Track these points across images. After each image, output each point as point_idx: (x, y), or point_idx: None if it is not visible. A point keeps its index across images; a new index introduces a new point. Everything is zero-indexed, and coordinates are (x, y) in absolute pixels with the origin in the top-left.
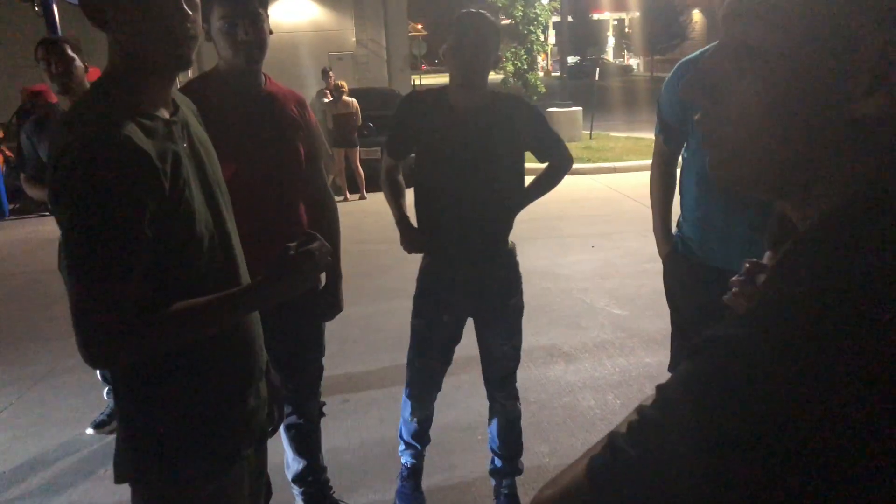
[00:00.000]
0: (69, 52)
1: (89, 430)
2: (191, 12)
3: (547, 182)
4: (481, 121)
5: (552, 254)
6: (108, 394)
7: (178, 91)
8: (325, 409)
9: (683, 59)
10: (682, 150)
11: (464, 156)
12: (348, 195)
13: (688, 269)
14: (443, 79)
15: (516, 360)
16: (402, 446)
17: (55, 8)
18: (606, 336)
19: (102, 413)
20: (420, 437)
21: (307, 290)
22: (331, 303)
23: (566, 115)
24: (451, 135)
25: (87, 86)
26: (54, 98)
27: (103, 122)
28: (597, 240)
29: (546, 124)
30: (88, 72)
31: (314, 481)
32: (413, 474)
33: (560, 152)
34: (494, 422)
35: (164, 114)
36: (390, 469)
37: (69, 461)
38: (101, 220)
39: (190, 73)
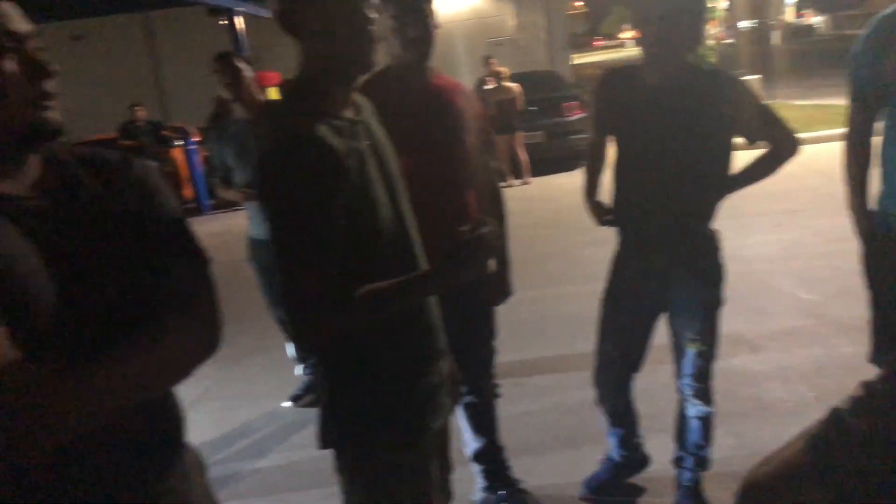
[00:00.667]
0: (236, 63)
1: (286, 403)
2: (374, 16)
3: (761, 168)
4: (677, 100)
5: (733, 234)
6: (302, 371)
7: (358, 93)
8: (499, 391)
9: (882, 14)
10: (881, 116)
11: (658, 138)
12: (511, 181)
13: (893, 248)
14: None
15: (710, 357)
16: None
17: (239, 20)
18: (795, 323)
19: (298, 388)
20: (618, 436)
21: (479, 275)
22: (500, 288)
23: None
24: (644, 115)
25: (256, 93)
26: None
27: (299, 125)
28: (781, 218)
29: (757, 102)
30: (261, 78)
31: (493, 459)
32: (611, 466)
33: (778, 133)
34: (683, 417)
35: (349, 114)
36: (567, 453)
37: (270, 429)
38: (302, 212)
39: None
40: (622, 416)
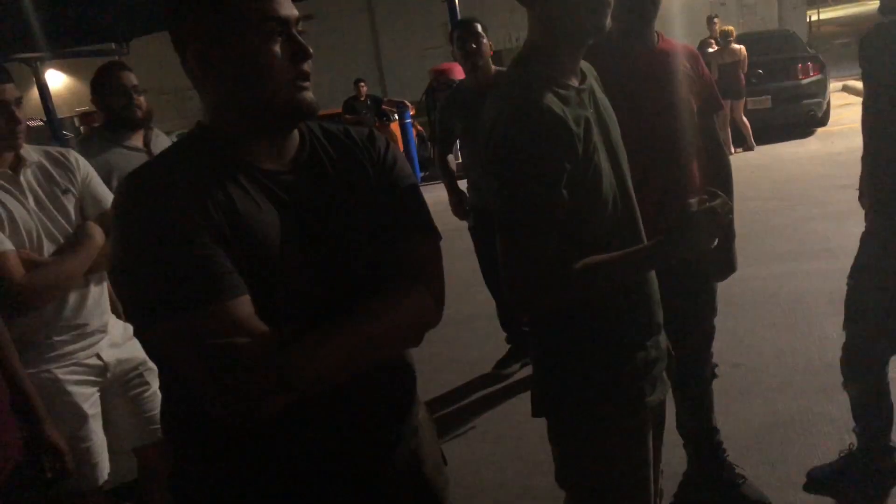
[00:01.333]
0: (479, 30)
1: (494, 370)
2: None
3: None
4: None
5: None
6: (507, 339)
7: (583, 60)
8: (718, 370)
9: None
10: None
11: None
12: (734, 149)
13: None
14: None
15: None
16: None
17: None
18: None
19: (506, 355)
20: (867, 426)
21: (708, 249)
22: (724, 263)
23: None
24: None
25: (491, 63)
26: (457, 75)
27: (526, 95)
28: None
29: None
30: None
31: (707, 441)
32: (851, 467)
33: None
34: None
35: (575, 82)
36: (790, 442)
37: (482, 395)
38: (527, 182)
39: None
40: (875, 398)
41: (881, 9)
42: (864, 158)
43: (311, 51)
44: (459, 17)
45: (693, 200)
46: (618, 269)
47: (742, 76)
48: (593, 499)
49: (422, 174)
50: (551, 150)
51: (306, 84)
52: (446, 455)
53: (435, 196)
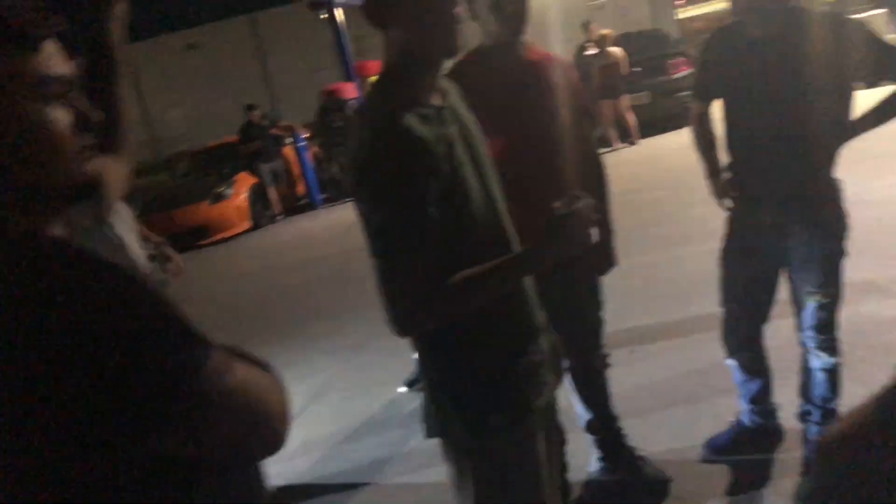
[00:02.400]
0: None
1: (401, 389)
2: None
3: (888, 110)
4: (779, 49)
5: (860, 178)
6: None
7: (444, 78)
8: (611, 360)
9: None
10: None
11: (764, 89)
12: (618, 144)
13: None
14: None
15: (832, 309)
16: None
17: (339, 12)
18: None
19: (413, 373)
20: (750, 392)
21: (580, 249)
22: (603, 258)
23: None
24: (749, 68)
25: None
26: (349, 94)
27: (386, 117)
28: None
29: (876, 40)
30: (363, 68)
31: (606, 429)
32: (739, 430)
33: None
34: (807, 370)
35: (436, 101)
36: (686, 418)
37: (392, 416)
38: (395, 203)
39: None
40: (756, 366)
41: (733, 9)
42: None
43: (97, 117)
44: (344, 36)
45: (558, 205)
46: (493, 278)
47: (621, 77)
48: None
49: (322, 196)
50: (415, 170)
51: (91, 155)
52: None
53: (336, 217)
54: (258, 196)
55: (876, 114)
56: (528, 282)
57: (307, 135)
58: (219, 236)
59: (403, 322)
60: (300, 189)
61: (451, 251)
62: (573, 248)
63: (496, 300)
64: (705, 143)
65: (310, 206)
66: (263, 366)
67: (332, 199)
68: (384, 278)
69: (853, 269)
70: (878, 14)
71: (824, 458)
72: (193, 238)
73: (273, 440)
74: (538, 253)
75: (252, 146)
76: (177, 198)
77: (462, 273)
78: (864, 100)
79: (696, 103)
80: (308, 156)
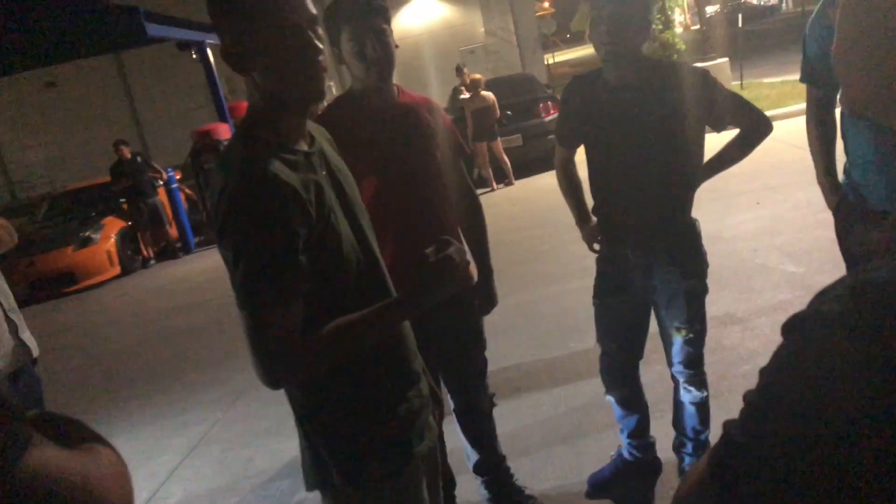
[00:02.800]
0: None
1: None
2: (321, 46)
3: (735, 152)
4: (638, 96)
5: (715, 216)
6: None
7: (311, 122)
8: (497, 399)
9: None
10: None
11: (624, 135)
12: (495, 185)
13: (861, 217)
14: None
15: (698, 344)
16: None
17: (210, 53)
18: (783, 296)
19: None
20: (629, 427)
21: (458, 290)
22: (485, 298)
23: (712, 69)
24: (609, 115)
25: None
26: (223, 135)
27: (251, 163)
28: (763, 195)
29: (721, 89)
30: (235, 109)
31: (494, 470)
32: (620, 464)
33: (748, 117)
34: (678, 403)
35: (303, 146)
36: (570, 454)
37: (277, 467)
38: (260, 252)
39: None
40: (633, 401)
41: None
42: None
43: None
44: (216, 76)
45: (429, 251)
46: (369, 325)
47: (493, 119)
48: None
49: (196, 239)
50: (281, 217)
51: None
52: None
53: (213, 262)
54: (127, 240)
55: (724, 156)
56: (407, 326)
57: (179, 176)
58: (86, 283)
59: (273, 374)
60: (173, 233)
61: (323, 298)
62: (445, 293)
63: (373, 346)
64: (570, 188)
65: (184, 250)
66: (94, 441)
67: (206, 243)
68: (250, 330)
69: (715, 304)
70: (721, 63)
71: None
72: (59, 285)
73: None
74: (410, 299)
75: (124, 183)
76: (39, 243)
77: (334, 322)
78: (714, 143)
79: (559, 149)
80: (181, 198)
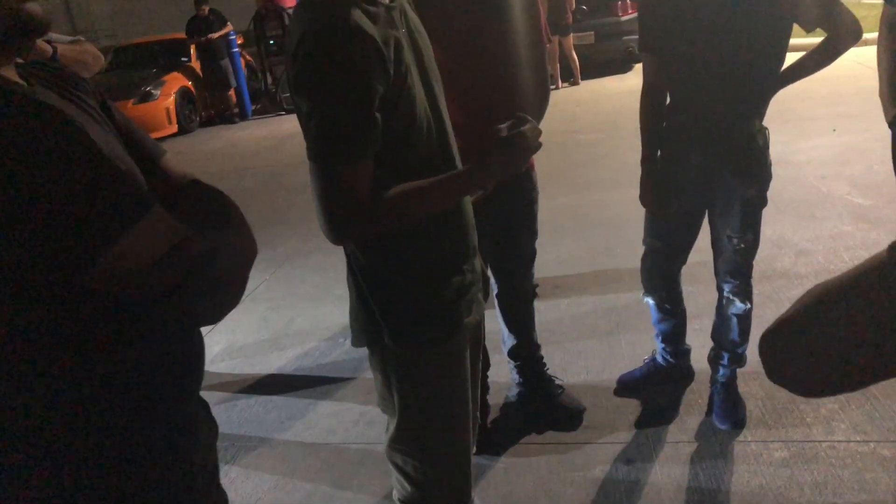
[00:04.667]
0: None
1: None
2: None
3: (819, 57)
4: None
5: (787, 138)
6: None
7: None
8: (538, 290)
9: None
10: None
11: (705, 23)
12: (560, 83)
13: None
14: None
15: (748, 255)
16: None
17: None
18: (845, 227)
19: None
20: (664, 331)
21: (516, 173)
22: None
23: None
24: (689, 11)
25: None
26: (287, 2)
27: (332, 11)
28: (840, 122)
29: None
30: None
31: (528, 357)
32: (652, 368)
33: (837, 20)
34: (721, 315)
35: (386, 0)
36: (604, 352)
37: (316, 330)
38: (337, 103)
39: None
40: (671, 305)
41: None
42: None
43: None
44: None
45: (503, 126)
46: (433, 194)
47: (570, 13)
48: (417, 419)
49: (253, 107)
50: (362, 70)
51: None
52: None
53: (268, 130)
54: (186, 99)
55: (806, 61)
56: (467, 201)
57: (241, 41)
58: None
59: (338, 230)
60: (232, 98)
61: (392, 161)
62: (514, 170)
63: (437, 216)
64: (651, 116)
65: (240, 116)
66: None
67: (263, 111)
68: (322, 183)
69: (772, 225)
70: None
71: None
72: None
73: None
74: (478, 172)
75: (197, 40)
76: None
77: (403, 185)
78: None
79: (646, 60)
80: (242, 64)
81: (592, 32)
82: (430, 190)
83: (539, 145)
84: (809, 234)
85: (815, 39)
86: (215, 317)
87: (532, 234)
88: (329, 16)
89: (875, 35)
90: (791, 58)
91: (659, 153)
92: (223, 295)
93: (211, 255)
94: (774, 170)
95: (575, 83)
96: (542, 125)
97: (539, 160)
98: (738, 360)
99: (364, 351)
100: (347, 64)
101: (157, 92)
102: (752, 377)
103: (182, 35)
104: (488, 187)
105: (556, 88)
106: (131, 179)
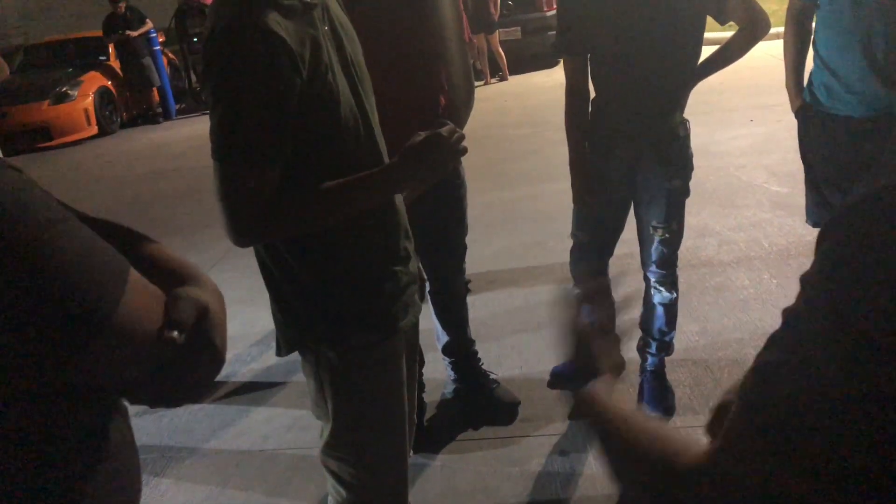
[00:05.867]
0: None
1: None
2: None
3: (733, 49)
4: None
5: (707, 130)
6: None
7: None
8: (470, 286)
9: None
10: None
11: (629, 20)
12: (489, 79)
13: (819, 121)
14: None
15: (673, 245)
16: None
17: None
18: (764, 215)
19: None
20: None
21: (440, 177)
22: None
23: None
24: (611, 4)
25: None
26: None
27: (242, 9)
28: (757, 112)
29: None
30: None
31: (463, 352)
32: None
33: (751, 13)
34: (648, 304)
35: None
36: (538, 345)
37: (247, 333)
38: (241, 104)
39: None
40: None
41: None
42: None
43: None
44: None
45: (422, 133)
46: (351, 192)
47: (494, 9)
48: (352, 425)
49: (177, 106)
50: (268, 69)
51: None
52: None
53: (193, 130)
54: (106, 99)
55: (721, 53)
56: (399, 205)
57: (162, 39)
58: (62, 140)
59: (240, 231)
60: (154, 97)
61: (318, 159)
62: (434, 175)
63: (365, 218)
64: (575, 117)
65: (164, 116)
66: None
67: (187, 111)
68: (223, 184)
69: (695, 216)
70: None
71: (714, 422)
72: (34, 140)
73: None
74: (397, 171)
75: (115, 38)
76: (12, 94)
77: (313, 188)
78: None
79: (568, 61)
80: (164, 62)
81: (519, 28)
82: (345, 189)
83: (462, 149)
84: (731, 222)
85: (727, 33)
86: (209, 385)
87: (462, 228)
88: (239, 13)
89: (778, 29)
90: (705, 51)
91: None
92: (216, 358)
93: (203, 314)
94: (697, 160)
95: (503, 78)
96: (472, 120)
97: (469, 155)
98: (666, 348)
99: (297, 355)
100: (251, 64)
101: (74, 92)
102: (680, 364)
103: (99, 33)
104: (415, 190)
105: (486, 84)
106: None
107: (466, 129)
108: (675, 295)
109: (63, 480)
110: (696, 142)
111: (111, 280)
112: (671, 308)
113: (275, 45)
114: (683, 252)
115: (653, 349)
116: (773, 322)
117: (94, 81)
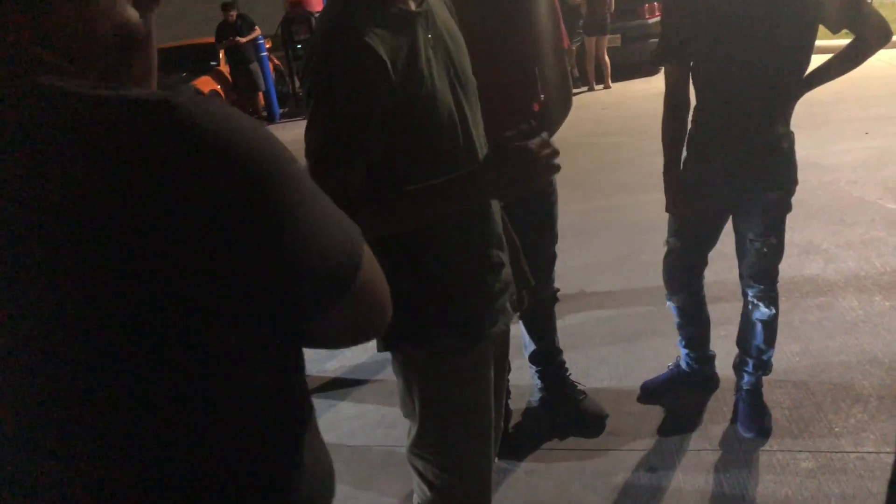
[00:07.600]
0: None
1: None
2: None
3: (845, 60)
4: None
5: (818, 142)
6: None
7: None
8: (559, 295)
9: None
10: None
11: (733, 26)
12: (595, 85)
13: None
14: None
15: (772, 260)
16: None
17: None
18: (877, 233)
19: None
20: (687, 336)
21: (534, 188)
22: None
23: None
24: (716, 12)
25: None
26: (315, 7)
27: (340, 20)
28: (873, 125)
29: None
30: None
31: (549, 361)
32: (675, 374)
33: (864, 21)
34: (746, 320)
35: (411, 5)
36: (628, 357)
37: None
38: (327, 108)
39: None
40: (693, 310)
41: None
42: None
43: None
44: None
45: (509, 134)
46: (432, 197)
47: (608, 13)
48: (437, 427)
49: (280, 111)
50: (355, 81)
51: None
52: None
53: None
54: None
55: (833, 63)
56: (495, 213)
57: (269, 45)
58: None
59: None
60: (260, 101)
61: (404, 161)
62: (518, 184)
63: (458, 223)
64: (675, 124)
65: (268, 120)
66: None
67: (291, 115)
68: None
69: (800, 231)
70: None
71: None
72: None
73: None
74: (478, 180)
75: (226, 44)
76: None
77: (404, 189)
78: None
79: (669, 69)
80: (269, 67)
81: (619, 35)
82: (419, 195)
83: (554, 166)
84: (840, 239)
85: (843, 41)
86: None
87: (552, 237)
88: (337, 24)
89: None
90: (818, 60)
91: (684, 155)
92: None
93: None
94: (804, 174)
95: (606, 86)
96: (568, 128)
97: (564, 163)
98: (764, 367)
99: (388, 354)
100: (341, 75)
101: None
102: (778, 385)
103: (211, 39)
104: (500, 200)
105: (590, 90)
106: None
107: (561, 137)
108: (774, 311)
109: (293, 437)
110: (804, 154)
111: (355, 244)
112: (770, 325)
113: (361, 53)
114: (785, 269)
115: (750, 367)
116: (885, 347)
117: (205, 85)
